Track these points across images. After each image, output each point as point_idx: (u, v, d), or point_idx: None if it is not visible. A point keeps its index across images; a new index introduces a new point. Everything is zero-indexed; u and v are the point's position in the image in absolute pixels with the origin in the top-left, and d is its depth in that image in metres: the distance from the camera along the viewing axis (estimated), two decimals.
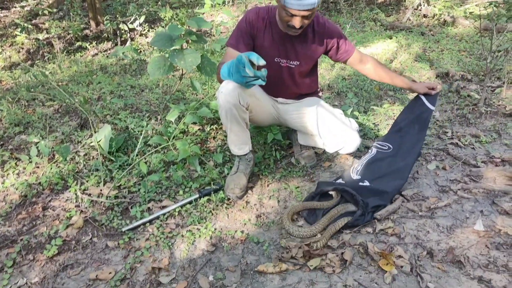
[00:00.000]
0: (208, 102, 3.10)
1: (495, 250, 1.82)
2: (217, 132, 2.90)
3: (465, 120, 3.06)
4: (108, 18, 5.77)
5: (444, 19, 5.63)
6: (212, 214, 2.11)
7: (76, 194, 2.24)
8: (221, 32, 5.82)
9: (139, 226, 2.01)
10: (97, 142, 2.47)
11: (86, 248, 1.90)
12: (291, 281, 1.70)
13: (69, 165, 2.47)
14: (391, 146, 2.37)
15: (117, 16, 6.12)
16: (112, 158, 2.52)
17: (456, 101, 3.36)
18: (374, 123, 3.05)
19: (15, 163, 2.52)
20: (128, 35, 5.59)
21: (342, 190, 2.13)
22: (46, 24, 5.94)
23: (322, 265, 1.76)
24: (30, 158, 2.49)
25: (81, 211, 2.13)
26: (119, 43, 5.49)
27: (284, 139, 2.73)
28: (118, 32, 5.54)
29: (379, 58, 4.40)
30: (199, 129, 2.90)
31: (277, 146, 2.73)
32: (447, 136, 2.85)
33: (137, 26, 5.57)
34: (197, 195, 2.19)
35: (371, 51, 4.62)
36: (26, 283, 1.70)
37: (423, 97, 2.38)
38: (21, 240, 1.92)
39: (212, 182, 2.32)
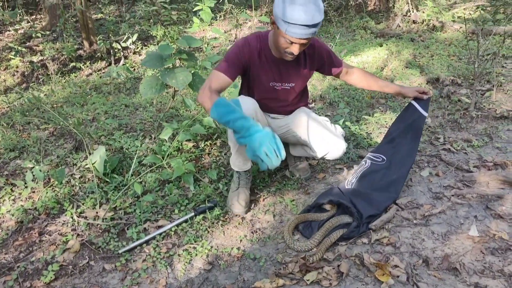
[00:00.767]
0: (201, 119, 3.12)
1: (491, 255, 1.83)
2: (211, 148, 2.92)
3: (457, 125, 3.08)
4: (101, 37, 5.83)
5: (433, 24, 5.70)
6: (208, 232, 2.12)
7: (72, 217, 2.25)
8: (214, 47, 5.88)
9: (135, 247, 2.02)
10: (92, 164, 2.48)
11: (83, 272, 1.90)
12: None
13: (64, 189, 2.49)
14: (384, 157, 2.37)
15: (110, 35, 6.18)
16: (107, 180, 2.54)
17: (447, 106, 3.39)
18: (366, 132, 3.07)
19: (11, 189, 2.53)
20: (122, 53, 5.64)
21: (337, 202, 2.15)
22: (40, 46, 5.99)
23: (319, 278, 1.76)
24: (25, 183, 2.50)
25: (78, 234, 2.14)
26: (112, 62, 5.54)
27: None
28: (111, 51, 5.59)
29: (370, 66, 4.45)
30: (193, 146, 2.92)
31: None
32: (439, 142, 2.87)
33: (130, 45, 5.63)
34: (193, 213, 2.20)
35: (362, 60, 4.67)
36: None
37: (415, 103, 2.36)
38: (18, 267, 1.92)
39: (207, 199, 2.34)
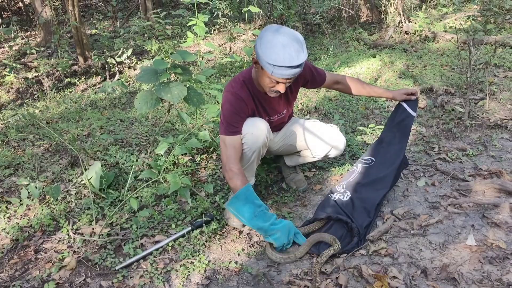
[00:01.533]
0: (196, 132, 3.12)
1: (489, 265, 1.83)
2: (208, 161, 2.92)
3: (451, 134, 3.10)
4: (95, 53, 5.84)
5: (425, 34, 5.76)
6: (205, 246, 2.10)
7: (68, 234, 2.23)
8: (208, 60, 5.91)
9: (132, 263, 2.00)
10: (88, 179, 2.47)
11: None
12: None
13: (60, 205, 2.47)
14: (373, 158, 2.42)
15: (105, 50, 6.20)
16: (104, 195, 2.52)
17: (441, 115, 3.41)
18: (362, 142, 3.08)
19: (6, 207, 2.51)
20: (116, 68, 5.66)
21: (336, 218, 2.15)
22: (34, 63, 6.00)
23: None
24: (20, 200, 2.49)
25: (74, 251, 2.12)
26: (107, 77, 5.55)
27: (270, 166, 2.76)
28: (106, 66, 5.60)
29: (364, 77, 4.48)
30: (189, 160, 2.92)
31: (268, 172, 2.75)
32: (434, 151, 2.88)
33: (125, 59, 5.65)
34: (190, 228, 2.19)
35: (356, 71, 4.71)
36: None
37: (404, 104, 2.42)
38: (14, 286, 1.90)
39: (204, 213, 2.33)
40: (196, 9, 3.95)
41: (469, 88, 3.27)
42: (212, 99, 4.15)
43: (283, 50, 1.81)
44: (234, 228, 2.24)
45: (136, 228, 2.24)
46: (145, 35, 6.49)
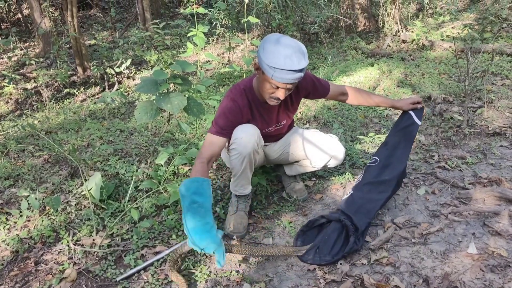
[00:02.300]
0: (197, 142, 3.13)
1: (490, 273, 1.83)
2: None
3: (450, 142, 3.11)
4: (94, 63, 5.86)
5: (422, 43, 5.80)
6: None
7: (68, 245, 2.22)
8: (207, 70, 5.93)
9: (133, 274, 2.00)
10: (88, 190, 2.47)
11: None
12: None
13: (60, 216, 2.46)
14: (377, 158, 2.42)
15: (104, 61, 6.23)
16: (104, 206, 2.52)
17: (440, 124, 3.43)
18: (361, 151, 3.09)
19: (6, 218, 2.50)
20: (115, 78, 5.67)
21: (328, 219, 2.17)
22: (33, 73, 6.01)
23: None
24: (20, 212, 2.48)
25: (74, 263, 2.11)
26: (106, 87, 5.56)
27: (270, 175, 2.76)
28: (105, 76, 5.62)
29: (362, 86, 4.50)
30: (189, 170, 2.92)
31: (268, 181, 2.75)
32: (434, 159, 2.89)
33: (124, 69, 5.67)
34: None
35: (354, 80, 4.73)
36: None
37: (411, 112, 2.41)
38: None
39: None
40: (195, 19, 3.98)
41: (467, 96, 3.29)
42: (211, 109, 4.16)
43: (284, 55, 1.84)
44: (234, 238, 2.23)
45: (137, 238, 2.23)
46: (144, 45, 6.53)
